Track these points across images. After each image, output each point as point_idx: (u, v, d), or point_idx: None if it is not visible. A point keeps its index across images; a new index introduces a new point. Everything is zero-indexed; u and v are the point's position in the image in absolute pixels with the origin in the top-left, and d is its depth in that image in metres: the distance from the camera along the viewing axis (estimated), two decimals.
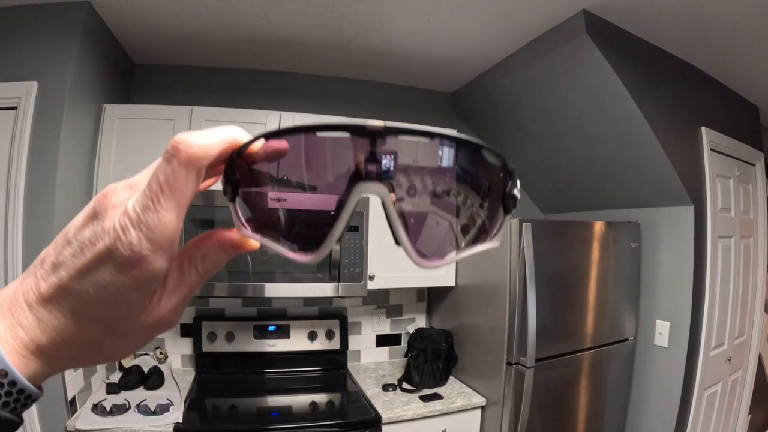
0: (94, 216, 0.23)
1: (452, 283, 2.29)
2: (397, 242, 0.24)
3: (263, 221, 0.25)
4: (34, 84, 1.68)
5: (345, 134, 0.22)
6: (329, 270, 1.90)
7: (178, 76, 2.39)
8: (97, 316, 0.23)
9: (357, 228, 1.93)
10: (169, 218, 0.22)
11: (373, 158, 0.22)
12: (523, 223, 1.83)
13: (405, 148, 0.23)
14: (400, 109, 2.65)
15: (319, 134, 0.23)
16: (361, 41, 2.10)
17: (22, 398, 0.22)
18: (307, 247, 0.25)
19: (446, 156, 0.24)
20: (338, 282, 1.91)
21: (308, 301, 2.38)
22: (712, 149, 2.26)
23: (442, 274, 2.26)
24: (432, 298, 2.60)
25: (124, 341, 0.25)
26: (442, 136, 0.23)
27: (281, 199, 0.25)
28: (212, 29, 2.00)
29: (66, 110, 1.70)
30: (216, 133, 0.23)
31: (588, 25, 1.75)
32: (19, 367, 0.22)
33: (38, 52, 1.71)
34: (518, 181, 0.26)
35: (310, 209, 0.25)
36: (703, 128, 2.22)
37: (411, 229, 0.24)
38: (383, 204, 0.23)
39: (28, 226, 1.63)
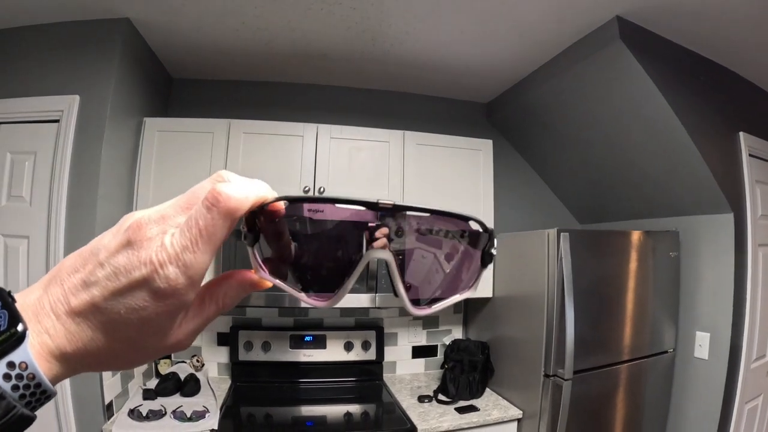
0: (128, 245, 0.25)
1: (489, 295, 2.26)
2: (396, 294, 0.30)
3: (281, 266, 0.29)
4: (76, 98, 1.74)
5: (361, 207, 0.27)
6: (366, 281, 1.91)
7: (215, 90, 2.44)
8: (124, 334, 0.26)
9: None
10: (204, 259, 0.25)
11: (382, 229, 0.27)
12: (561, 233, 1.81)
13: (409, 219, 0.28)
14: (435, 120, 2.66)
15: (339, 205, 0.27)
16: (396, 53, 2.12)
17: (43, 398, 0.24)
18: (320, 292, 0.29)
19: (440, 226, 0.29)
20: (375, 293, 1.91)
21: (345, 311, 2.39)
22: (750, 154, 2.21)
23: (479, 286, 2.22)
24: (469, 309, 2.58)
25: (139, 356, 0.28)
26: (436, 212, 0.28)
27: (301, 250, 0.29)
28: (249, 44, 2.03)
29: (107, 123, 1.75)
30: (250, 187, 0.27)
31: (622, 31, 1.74)
32: (43, 370, 0.24)
33: (80, 67, 1.77)
34: (495, 241, 0.31)
35: (326, 262, 0.29)
36: (741, 133, 2.17)
37: (408, 285, 0.29)
38: (387, 265, 0.28)
39: (70, 236, 1.68)
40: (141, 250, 0.25)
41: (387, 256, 0.28)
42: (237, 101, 2.43)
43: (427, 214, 0.28)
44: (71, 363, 0.26)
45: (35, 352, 0.24)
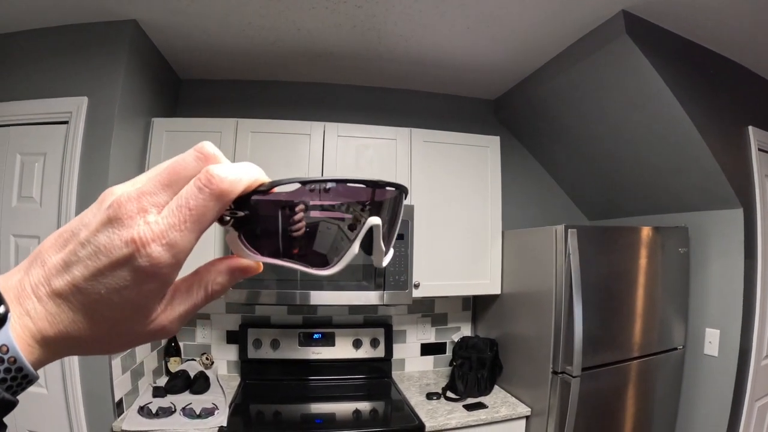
0: (109, 222, 0.24)
1: (498, 291, 2.26)
2: (369, 252, 0.32)
3: (277, 245, 0.29)
4: (85, 99, 1.75)
5: (362, 185, 0.30)
6: (374, 278, 1.91)
7: (223, 90, 2.45)
8: (106, 316, 0.25)
9: (402, 236, 1.93)
10: (190, 239, 0.25)
11: (377, 200, 0.31)
12: (569, 230, 1.80)
13: (387, 193, 0.32)
14: (442, 117, 2.65)
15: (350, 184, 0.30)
16: (401, 50, 2.12)
17: (24, 382, 0.24)
18: (322, 262, 0.30)
19: (400, 197, 0.34)
20: (383, 290, 1.91)
21: (353, 309, 2.40)
22: (759, 149, 2.18)
23: (487, 282, 2.24)
24: (477, 306, 2.58)
25: (122, 340, 0.27)
26: (401, 187, 0.33)
27: (298, 226, 0.30)
28: (255, 44, 2.04)
29: (116, 124, 1.76)
30: (244, 170, 0.27)
31: (628, 25, 1.73)
32: (25, 354, 0.23)
33: (88, 68, 1.78)
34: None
35: (320, 238, 0.30)
36: (750, 127, 2.15)
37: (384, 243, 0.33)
38: (373, 228, 0.31)
39: None
40: (123, 228, 0.24)
41: (377, 221, 0.31)
42: (244, 101, 2.44)
43: (395, 190, 0.33)
44: (52, 346, 0.25)
45: (16, 335, 0.23)
